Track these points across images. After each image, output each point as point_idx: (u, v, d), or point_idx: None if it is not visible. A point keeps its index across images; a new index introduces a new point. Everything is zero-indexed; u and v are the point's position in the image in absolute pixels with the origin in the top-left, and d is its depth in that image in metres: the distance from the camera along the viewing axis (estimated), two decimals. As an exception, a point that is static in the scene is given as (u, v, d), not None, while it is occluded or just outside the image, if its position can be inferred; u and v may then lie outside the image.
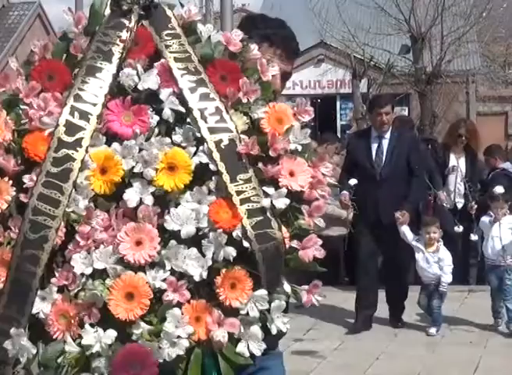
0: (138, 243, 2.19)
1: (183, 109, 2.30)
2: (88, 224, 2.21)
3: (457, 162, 10.44)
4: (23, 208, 2.20)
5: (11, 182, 2.21)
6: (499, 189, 8.78)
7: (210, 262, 2.20)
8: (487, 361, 7.56)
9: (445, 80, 25.26)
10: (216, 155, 2.26)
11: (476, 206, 9.90)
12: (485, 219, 8.82)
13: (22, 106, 2.29)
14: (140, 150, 2.24)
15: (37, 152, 2.22)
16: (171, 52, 2.35)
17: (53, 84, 2.31)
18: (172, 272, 2.21)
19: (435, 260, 8.48)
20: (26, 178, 2.22)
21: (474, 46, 28.14)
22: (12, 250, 2.18)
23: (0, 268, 2.21)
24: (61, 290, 2.20)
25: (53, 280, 2.20)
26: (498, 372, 7.30)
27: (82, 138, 2.22)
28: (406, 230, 8.56)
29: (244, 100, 2.34)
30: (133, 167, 2.23)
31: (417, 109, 26.25)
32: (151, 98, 2.31)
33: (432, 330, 8.53)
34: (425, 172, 9.82)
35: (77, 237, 2.20)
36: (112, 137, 2.27)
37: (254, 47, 2.42)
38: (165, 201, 2.26)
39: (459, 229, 9.98)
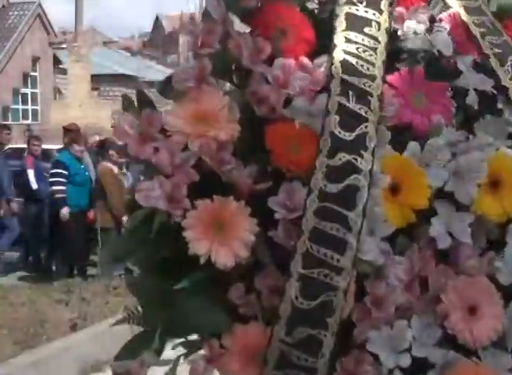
0: (472, 310, 1.31)
1: (492, 90, 1.44)
2: (382, 280, 1.30)
3: None
4: (277, 256, 1.26)
5: (249, 210, 1.26)
6: None
7: None
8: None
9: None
10: (555, 164, 1.42)
11: None
12: None
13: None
14: (453, 154, 1.36)
15: (292, 158, 1.29)
16: (458, -1, 1.48)
17: (293, 44, 1.37)
18: None
19: None
20: (274, 203, 1.27)
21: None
22: (271, 330, 1.23)
23: (242, 361, 1.25)
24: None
25: (337, 378, 1.27)
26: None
27: (365, 134, 1.29)
28: None
29: None
30: (445, 183, 1.35)
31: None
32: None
33: None
34: None
35: (368, 303, 1.29)
36: (396, 132, 1.36)
37: None
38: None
39: None
